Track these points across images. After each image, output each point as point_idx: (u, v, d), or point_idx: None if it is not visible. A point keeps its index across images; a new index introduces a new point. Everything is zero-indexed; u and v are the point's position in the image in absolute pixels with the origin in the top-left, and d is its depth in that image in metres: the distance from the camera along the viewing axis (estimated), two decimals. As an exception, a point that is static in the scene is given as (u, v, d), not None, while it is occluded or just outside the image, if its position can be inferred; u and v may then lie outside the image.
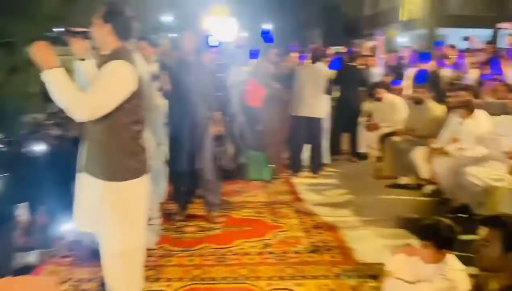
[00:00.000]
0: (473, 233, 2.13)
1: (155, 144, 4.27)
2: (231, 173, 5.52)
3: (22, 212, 3.60)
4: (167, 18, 18.70)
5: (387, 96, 6.52)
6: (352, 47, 9.54)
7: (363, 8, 22.97)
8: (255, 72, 6.14)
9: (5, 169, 4.49)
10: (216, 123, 4.37)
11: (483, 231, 1.88)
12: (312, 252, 3.61)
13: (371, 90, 6.78)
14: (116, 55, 2.25)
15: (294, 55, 7.06)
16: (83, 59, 2.38)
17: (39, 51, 2.10)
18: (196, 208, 4.56)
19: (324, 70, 6.06)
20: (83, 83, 2.44)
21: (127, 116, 2.27)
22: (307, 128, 5.87)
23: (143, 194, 2.49)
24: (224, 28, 4.74)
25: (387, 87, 6.63)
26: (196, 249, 3.67)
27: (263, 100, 5.94)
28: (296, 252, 3.60)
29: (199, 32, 4.52)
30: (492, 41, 9.20)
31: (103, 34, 2.29)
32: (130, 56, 2.29)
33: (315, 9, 22.81)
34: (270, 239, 3.86)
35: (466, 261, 2.39)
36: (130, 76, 2.23)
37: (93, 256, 3.24)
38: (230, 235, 3.97)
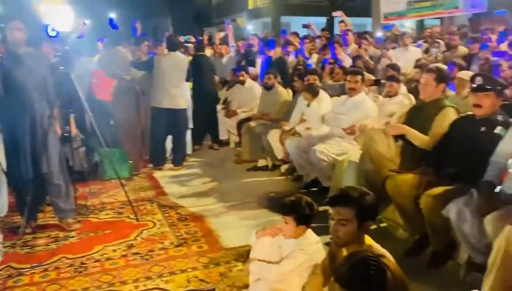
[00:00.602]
0: (324, 204, 2.29)
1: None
2: (85, 173, 5.13)
3: None
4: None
5: (248, 80, 6.72)
6: (202, 36, 9.59)
7: (211, -3, 23.24)
8: (105, 63, 5.73)
9: None
10: (61, 121, 3.98)
11: (338, 211, 1.98)
12: (179, 245, 3.54)
13: (234, 75, 6.92)
14: None
15: (147, 44, 6.80)
16: None
17: None
18: (47, 216, 4.12)
19: (184, 59, 5.94)
20: None
21: None
22: (170, 120, 5.69)
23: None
24: (61, 17, 4.27)
25: (247, 72, 6.83)
26: (51, 262, 3.31)
27: (115, 93, 5.60)
28: (163, 248, 3.50)
29: (31, 21, 4.00)
30: (327, 28, 10.12)
31: None
32: None
33: (164, -3, 22.35)
34: (134, 239, 3.67)
35: (318, 231, 2.59)
36: None
37: None
38: (89, 241, 3.67)
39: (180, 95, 5.75)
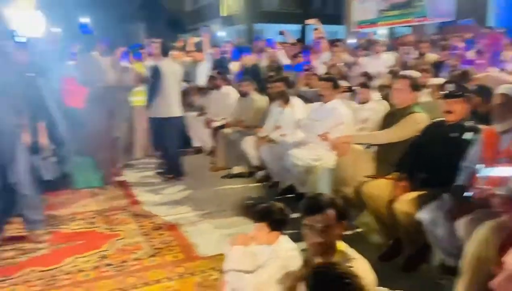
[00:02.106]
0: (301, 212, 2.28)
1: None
2: (55, 183, 4.97)
3: None
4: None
5: (225, 86, 6.69)
6: (175, 42, 9.51)
7: (184, 4, 23.17)
8: (79, 69, 5.58)
9: None
10: (31, 131, 3.85)
11: (320, 217, 1.97)
12: (153, 255, 3.47)
13: (214, 79, 6.84)
14: None
15: (121, 50, 6.64)
16: None
17: None
18: (15, 228, 3.97)
19: (179, 65, 5.86)
20: None
21: None
22: (178, 129, 5.58)
23: None
24: (31, 23, 4.18)
25: (224, 78, 6.78)
26: (19, 276, 3.19)
27: (87, 100, 5.47)
28: (137, 259, 3.42)
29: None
30: (301, 38, 10.21)
31: None
32: None
33: (138, 3, 22.13)
34: (106, 250, 3.58)
35: (295, 237, 2.58)
36: None
37: None
38: (60, 252, 3.56)
39: (179, 103, 5.63)
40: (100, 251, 3.56)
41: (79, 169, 4.71)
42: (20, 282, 3.11)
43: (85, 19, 7.73)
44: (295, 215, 2.71)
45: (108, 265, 3.33)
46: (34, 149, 3.98)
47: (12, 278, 3.16)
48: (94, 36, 6.38)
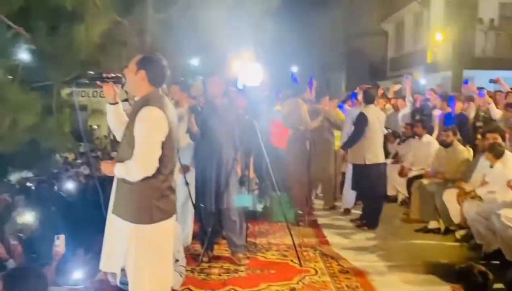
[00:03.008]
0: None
1: (183, 184, 4.35)
2: (256, 214, 5.51)
3: (59, 244, 3.65)
4: (194, 61, 19.38)
5: (426, 135, 6.45)
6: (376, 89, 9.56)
7: (387, 51, 23.19)
8: (284, 113, 6.16)
9: (36, 206, 4.63)
10: (241, 165, 4.41)
11: None
12: (339, 297, 3.52)
13: (413, 127, 6.69)
14: (148, 101, 2.34)
15: (328, 98, 6.99)
16: (114, 103, 2.48)
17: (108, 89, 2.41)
18: (221, 249, 4.53)
19: (382, 112, 6.00)
20: (113, 126, 2.54)
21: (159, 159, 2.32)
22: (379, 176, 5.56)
23: (170, 235, 2.51)
24: (250, 72, 4.87)
25: (425, 126, 6.55)
26: (221, 292, 3.62)
27: (289, 141, 5.97)
28: (323, 298, 3.52)
29: (226, 76, 4.64)
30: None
31: (137, 80, 2.39)
32: (162, 102, 2.37)
33: (340, 52, 23.18)
34: (296, 283, 3.78)
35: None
36: (163, 121, 2.31)
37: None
38: (256, 278, 3.91)
39: (382, 149, 5.73)
40: (291, 284, 3.77)
41: (277, 203, 5.12)
42: (222, 297, 3.53)
43: (294, 69, 8.50)
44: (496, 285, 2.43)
45: (297, 298, 3.51)
46: (242, 181, 4.53)
47: (216, 292, 3.61)
48: (299, 83, 6.97)
